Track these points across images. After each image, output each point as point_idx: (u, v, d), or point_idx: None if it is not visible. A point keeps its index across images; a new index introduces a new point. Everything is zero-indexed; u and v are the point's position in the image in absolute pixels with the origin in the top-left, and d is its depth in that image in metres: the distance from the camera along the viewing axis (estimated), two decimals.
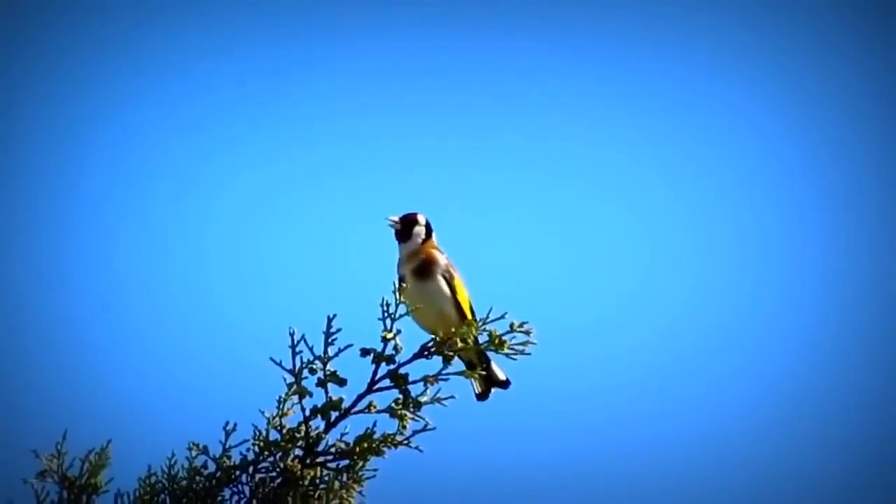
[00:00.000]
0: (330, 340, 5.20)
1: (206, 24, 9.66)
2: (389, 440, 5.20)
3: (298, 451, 5.21)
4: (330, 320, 5.19)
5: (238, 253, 9.12)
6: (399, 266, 5.83)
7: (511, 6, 9.89)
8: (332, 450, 5.22)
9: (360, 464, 5.20)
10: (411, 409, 5.22)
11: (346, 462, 5.21)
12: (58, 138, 9.41)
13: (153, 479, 5.13)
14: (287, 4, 9.80)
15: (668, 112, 9.88)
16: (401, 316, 5.24)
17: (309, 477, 5.19)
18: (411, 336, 5.33)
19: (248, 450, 5.18)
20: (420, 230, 5.88)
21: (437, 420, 5.26)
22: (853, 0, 9.77)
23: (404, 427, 5.21)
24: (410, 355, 5.32)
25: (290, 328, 5.20)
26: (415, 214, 5.89)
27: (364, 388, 5.26)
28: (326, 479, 5.19)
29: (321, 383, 5.22)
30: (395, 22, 9.80)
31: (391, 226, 5.85)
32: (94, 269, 9.00)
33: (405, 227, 5.87)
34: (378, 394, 5.26)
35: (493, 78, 9.92)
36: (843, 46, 9.71)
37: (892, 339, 8.96)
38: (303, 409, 5.21)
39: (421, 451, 5.21)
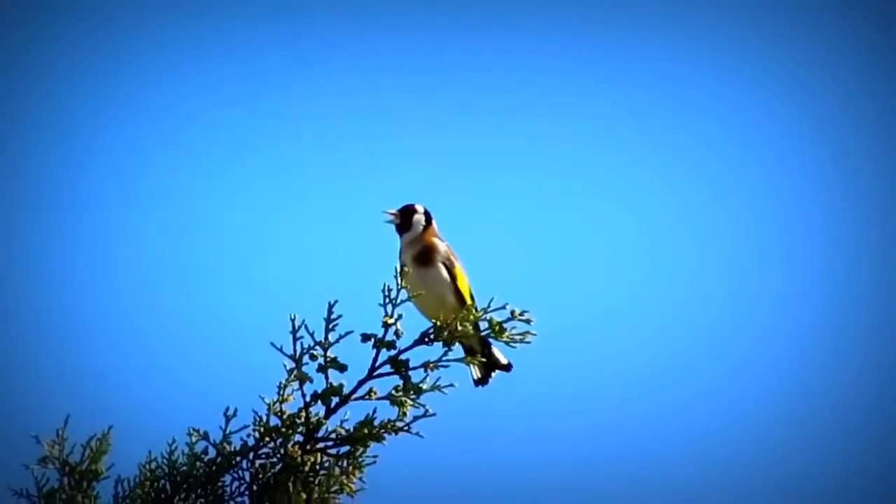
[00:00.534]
0: (331, 326, 5.20)
1: (206, 24, 9.68)
2: (390, 426, 5.20)
3: (299, 437, 5.21)
4: (331, 306, 5.19)
5: (239, 240, 9.14)
6: (400, 254, 5.89)
7: (511, 6, 9.91)
8: (333, 436, 5.22)
9: (361, 450, 5.19)
10: (412, 396, 5.21)
11: (346, 448, 5.20)
12: (57, 138, 9.42)
13: (154, 464, 5.13)
14: (287, 4, 9.82)
15: (668, 112, 9.89)
16: (402, 301, 5.24)
17: (309, 463, 5.18)
18: (411, 324, 5.34)
19: (248, 436, 5.18)
20: (420, 218, 5.94)
21: (437, 410, 5.28)
22: (853, 0, 9.80)
23: (404, 413, 5.21)
24: (411, 342, 5.32)
25: (290, 314, 5.21)
26: (412, 205, 5.95)
27: (364, 374, 5.26)
28: (327, 465, 5.18)
29: (322, 369, 5.22)
30: (395, 22, 9.82)
31: (389, 221, 5.92)
32: (94, 254, 9.02)
33: (404, 217, 5.94)
34: (378, 380, 5.27)
35: (493, 78, 9.94)
36: (843, 46, 9.73)
37: (893, 339, 8.97)
38: (303, 395, 5.22)
39: (421, 436, 5.21)
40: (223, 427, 5.16)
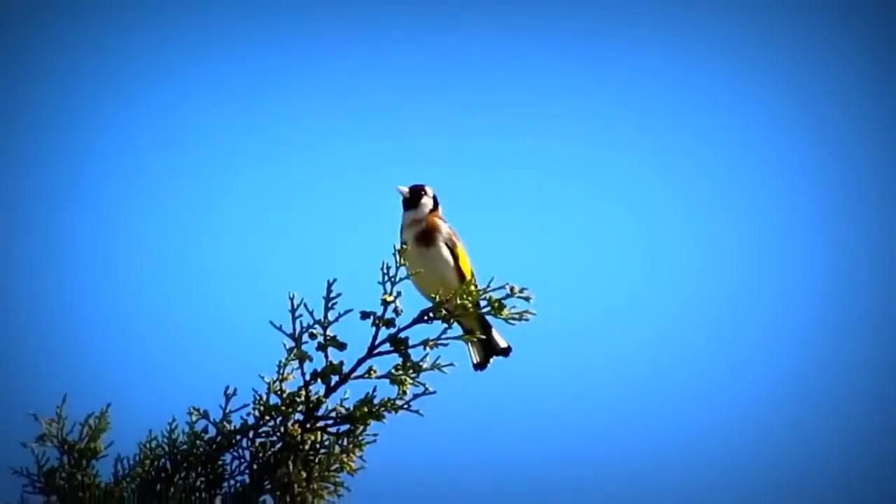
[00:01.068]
0: (330, 305, 5.19)
1: (206, 24, 9.70)
2: (389, 404, 5.19)
3: (299, 416, 5.20)
4: (330, 285, 5.19)
5: (238, 219, 9.14)
6: (402, 232, 5.90)
7: (512, 6, 9.93)
8: (333, 414, 5.21)
9: (361, 428, 5.18)
10: (411, 374, 5.20)
11: (346, 426, 5.19)
12: (56, 137, 9.44)
13: (154, 443, 5.12)
14: (286, 4, 9.85)
15: (669, 111, 9.90)
16: (401, 279, 5.24)
17: (309, 441, 5.18)
18: (411, 304, 5.34)
19: (248, 414, 5.18)
20: (427, 201, 5.97)
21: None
22: (853, 0, 9.81)
23: (404, 392, 5.20)
24: (410, 320, 5.31)
25: (289, 293, 5.20)
26: (423, 185, 5.97)
27: (364, 352, 5.25)
28: (327, 443, 5.18)
29: (321, 347, 5.21)
30: (396, 22, 9.84)
31: (400, 193, 5.94)
32: (93, 236, 9.03)
33: (413, 195, 5.95)
34: (378, 359, 5.26)
35: (493, 77, 9.96)
36: (843, 46, 9.74)
37: (893, 339, 8.95)
38: (303, 374, 5.21)
39: (421, 415, 5.20)
40: (223, 406, 5.16)
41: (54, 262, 8.62)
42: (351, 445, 5.17)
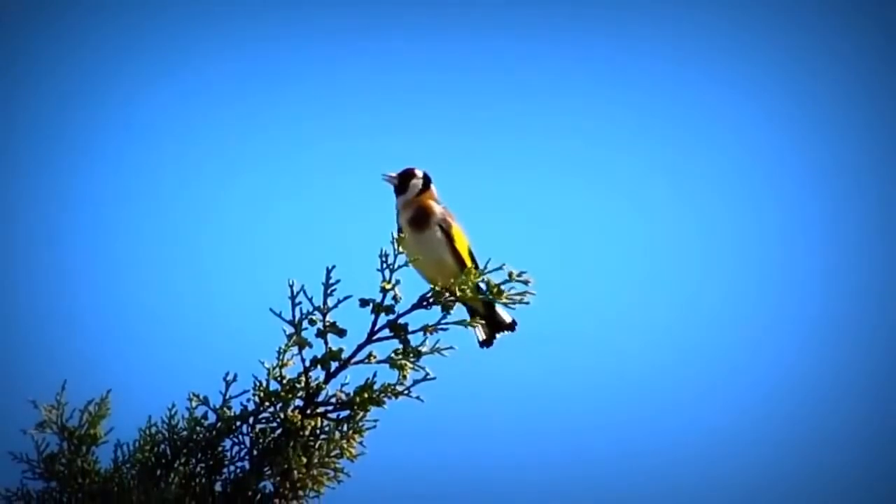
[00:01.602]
0: (329, 291, 5.20)
1: (205, 24, 9.71)
2: (390, 390, 5.19)
3: (299, 402, 5.20)
4: (329, 271, 5.19)
5: (238, 207, 9.15)
6: (397, 218, 5.89)
7: (512, 5, 9.94)
8: (333, 400, 5.21)
9: (361, 414, 5.18)
10: (411, 359, 5.21)
11: (346, 412, 5.20)
12: (55, 137, 9.45)
13: (153, 429, 5.12)
14: (285, 4, 9.86)
15: (669, 112, 9.91)
16: (399, 266, 5.24)
17: (309, 427, 5.18)
18: (411, 289, 5.34)
19: (248, 400, 5.17)
20: (417, 182, 5.95)
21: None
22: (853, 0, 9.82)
23: (405, 377, 5.20)
24: (409, 306, 5.31)
25: (289, 279, 5.20)
26: (412, 168, 5.96)
27: (364, 338, 5.25)
28: (327, 429, 5.17)
29: (321, 334, 5.21)
30: (396, 22, 9.85)
31: (387, 181, 5.93)
32: (92, 225, 9.05)
33: (402, 180, 5.95)
34: (378, 344, 5.26)
35: (493, 78, 9.97)
36: (844, 46, 9.75)
37: (893, 339, 8.96)
38: (303, 360, 5.21)
39: (422, 400, 5.20)
40: (223, 392, 5.15)
41: (53, 251, 8.63)
42: (351, 431, 5.17)
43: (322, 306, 5.20)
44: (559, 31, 9.89)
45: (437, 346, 5.22)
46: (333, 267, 5.18)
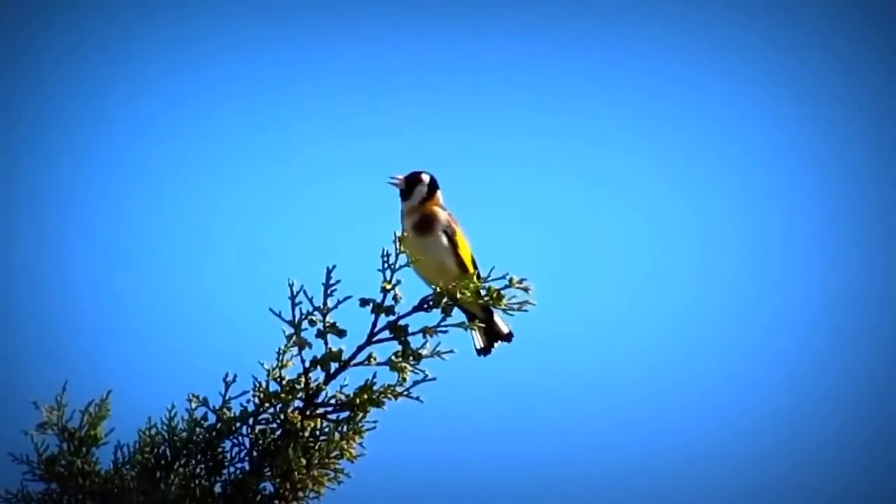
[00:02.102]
0: (329, 291, 5.19)
1: (205, 24, 9.72)
2: (389, 391, 5.19)
3: (298, 403, 5.20)
4: (329, 271, 5.19)
5: (239, 207, 9.16)
6: (401, 221, 5.90)
7: (512, 5, 9.95)
8: (332, 401, 5.21)
9: (360, 415, 5.18)
10: (411, 362, 5.21)
11: (346, 413, 5.19)
12: (55, 138, 9.46)
13: (153, 430, 5.12)
14: (285, 4, 9.87)
15: (669, 112, 9.91)
16: (401, 267, 5.24)
17: (309, 428, 5.17)
18: (411, 291, 5.34)
19: (248, 401, 5.17)
20: (422, 188, 5.96)
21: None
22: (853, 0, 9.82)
23: (404, 379, 5.20)
24: (410, 308, 5.31)
25: (288, 279, 5.20)
26: (419, 173, 5.97)
27: (364, 339, 5.25)
28: (326, 430, 5.17)
29: (321, 334, 5.21)
30: (397, 21, 9.85)
31: (393, 185, 5.93)
32: (93, 224, 9.05)
33: (409, 184, 5.95)
34: (378, 346, 5.26)
35: (493, 77, 9.98)
36: (844, 46, 9.75)
37: (893, 339, 8.97)
38: (302, 361, 5.20)
39: (421, 401, 5.20)
40: (223, 393, 5.15)
41: (53, 252, 8.64)
42: (351, 432, 5.17)
43: (322, 306, 5.20)
44: (559, 31, 9.89)
45: (438, 349, 5.22)
46: (334, 267, 5.18)
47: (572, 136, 9.80)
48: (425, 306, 5.32)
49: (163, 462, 5.12)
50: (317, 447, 5.15)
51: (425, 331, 5.25)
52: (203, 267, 8.35)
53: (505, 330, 5.82)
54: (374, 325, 5.24)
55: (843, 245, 9.53)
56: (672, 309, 9.17)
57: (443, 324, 5.27)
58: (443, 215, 5.89)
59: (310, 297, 5.18)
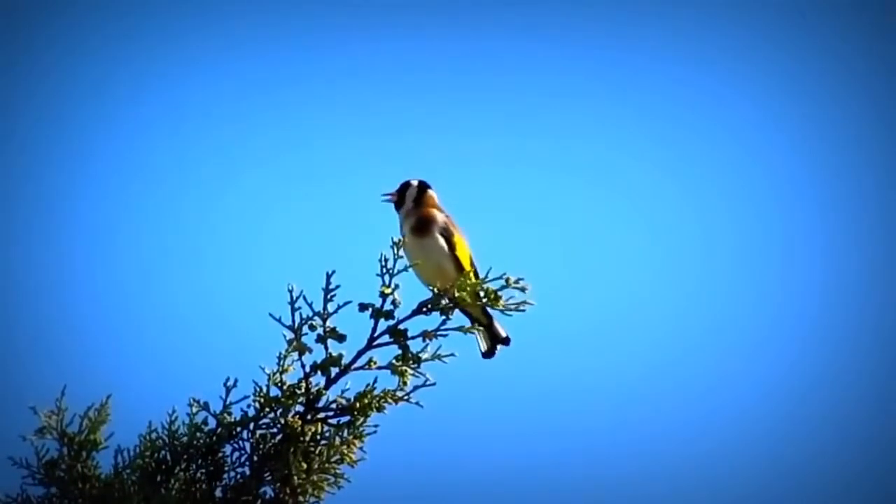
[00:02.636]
0: (329, 297, 5.20)
1: (205, 24, 9.72)
2: (390, 396, 5.19)
3: (299, 408, 5.20)
4: (329, 276, 5.19)
5: (239, 212, 9.17)
6: (401, 229, 5.92)
7: (512, 5, 9.95)
8: (333, 406, 5.21)
9: (361, 420, 5.19)
10: (411, 365, 5.21)
11: (346, 418, 5.20)
12: (55, 140, 9.47)
13: (154, 435, 5.12)
14: (285, 4, 9.87)
15: (669, 112, 9.92)
16: (399, 271, 5.24)
17: (310, 433, 5.18)
18: (411, 295, 5.34)
19: (248, 406, 5.18)
20: (412, 191, 5.99)
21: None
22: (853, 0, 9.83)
23: (405, 383, 5.20)
24: (409, 312, 5.31)
25: (288, 284, 5.20)
26: (407, 181, 6.00)
27: (364, 344, 5.25)
28: (327, 434, 5.18)
29: (321, 339, 5.21)
30: (398, 21, 9.86)
31: (387, 201, 5.97)
32: (93, 227, 9.06)
33: (400, 194, 5.99)
34: (378, 350, 5.26)
35: (493, 77, 9.98)
36: (844, 47, 9.76)
37: (893, 339, 8.97)
38: (303, 366, 5.21)
39: (421, 406, 5.20)
40: (223, 397, 5.16)
41: (54, 255, 8.64)
42: (351, 437, 5.17)
43: (322, 311, 5.20)
44: (559, 31, 9.90)
45: (438, 352, 5.22)
46: (333, 272, 5.19)
47: (572, 136, 9.83)
48: (424, 309, 5.32)
49: (164, 466, 5.12)
50: (317, 452, 5.16)
51: (425, 335, 5.25)
52: (203, 272, 8.36)
53: (503, 334, 5.83)
54: (374, 329, 5.24)
55: (844, 245, 9.54)
56: (672, 309, 9.17)
57: (442, 327, 5.27)
58: (440, 217, 5.92)
59: (310, 302, 5.19)
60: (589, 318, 8.34)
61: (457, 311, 5.33)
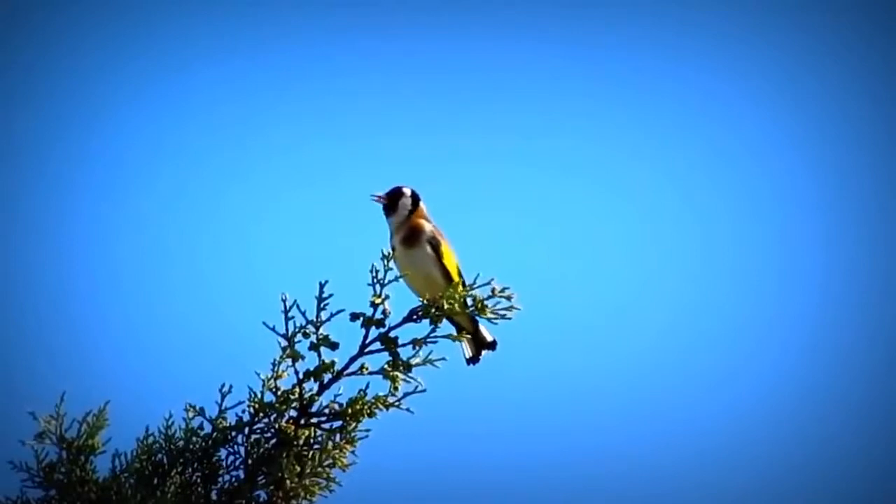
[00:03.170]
0: (322, 305, 5.31)
1: (205, 23, 9.75)
2: (381, 402, 5.30)
3: (293, 413, 5.31)
4: (322, 286, 5.30)
5: (234, 221, 9.21)
6: (391, 238, 6.01)
7: (512, 5, 9.98)
8: (326, 411, 5.32)
9: (353, 425, 5.29)
10: (402, 371, 5.31)
11: (339, 423, 5.31)
12: (55, 141, 9.50)
13: (151, 439, 5.22)
14: (285, 4, 9.90)
15: (669, 111, 9.94)
16: (389, 281, 5.36)
17: (303, 437, 5.28)
18: (402, 304, 5.46)
19: (243, 411, 5.29)
20: (406, 202, 6.06)
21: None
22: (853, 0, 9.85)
23: (396, 388, 5.31)
24: (400, 320, 5.43)
25: (281, 294, 5.31)
26: (400, 187, 6.08)
27: (356, 351, 5.36)
28: (320, 439, 5.28)
29: (314, 347, 5.32)
30: (398, 21, 9.88)
31: (376, 201, 6.03)
32: (90, 232, 9.10)
33: (392, 200, 6.06)
34: (369, 357, 5.37)
35: (493, 78, 10.01)
36: (844, 47, 9.78)
37: (892, 339, 8.98)
38: (296, 372, 5.32)
39: (412, 412, 5.31)
40: (219, 403, 5.27)
41: (52, 260, 8.69)
42: (343, 441, 5.28)
43: (315, 320, 5.31)
44: (559, 31, 9.94)
45: (429, 357, 5.33)
46: (326, 282, 5.30)
47: (572, 136, 9.85)
48: (414, 317, 5.44)
49: (160, 470, 5.21)
50: (310, 456, 5.26)
51: (415, 342, 5.36)
52: (199, 279, 8.42)
53: (489, 339, 5.93)
54: (366, 337, 5.36)
55: (844, 244, 9.57)
56: (672, 309, 9.20)
57: (431, 335, 5.38)
58: (427, 227, 6.00)
59: (303, 310, 5.30)
60: (587, 317, 8.39)
61: (444, 320, 5.44)
